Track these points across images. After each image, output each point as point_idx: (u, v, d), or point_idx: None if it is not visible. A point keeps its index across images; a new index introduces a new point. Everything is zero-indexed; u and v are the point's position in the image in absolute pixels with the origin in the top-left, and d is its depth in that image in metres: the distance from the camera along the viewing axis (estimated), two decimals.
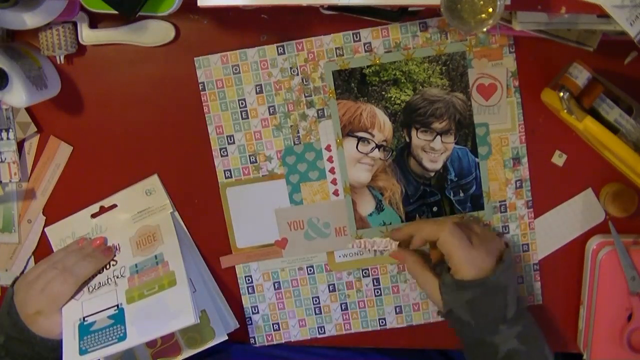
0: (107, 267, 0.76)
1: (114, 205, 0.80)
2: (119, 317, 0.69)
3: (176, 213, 0.80)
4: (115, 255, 0.77)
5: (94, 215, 0.80)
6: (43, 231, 0.82)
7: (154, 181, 0.80)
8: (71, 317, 0.70)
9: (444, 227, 0.72)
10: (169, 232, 0.77)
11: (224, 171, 0.80)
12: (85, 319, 0.70)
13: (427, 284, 0.75)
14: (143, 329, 0.67)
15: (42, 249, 0.82)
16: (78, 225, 0.81)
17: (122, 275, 0.74)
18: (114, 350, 0.66)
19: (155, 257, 0.74)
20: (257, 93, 0.78)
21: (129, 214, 0.80)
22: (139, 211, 0.80)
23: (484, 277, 0.70)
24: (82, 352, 0.67)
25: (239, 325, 0.82)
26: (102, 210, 0.80)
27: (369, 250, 0.80)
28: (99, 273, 0.75)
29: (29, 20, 0.70)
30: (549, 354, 0.73)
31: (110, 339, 0.67)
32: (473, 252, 0.71)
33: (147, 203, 0.80)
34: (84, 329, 0.69)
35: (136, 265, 0.74)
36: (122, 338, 0.67)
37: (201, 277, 0.79)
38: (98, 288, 0.73)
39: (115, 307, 0.70)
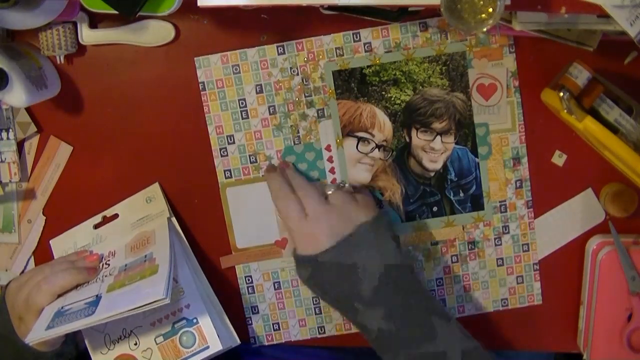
0: (100, 268, 0.76)
1: (116, 215, 0.80)
2: (94, 302, 0.67)
3: (173, 219, 0.79)
4: (108, 265, 0.76)
5: (96, 226, 0.80)
6: (43, 231, 0.82)
7: (154, 189, 0.80)
8: (51, 308, 0.69)
9: (277, 197, 0.70)
10: (163, 234, 0.76)
11: (224, 171, 0.80)
12: (64, 307, 0.68)
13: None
14: (112, 305, 0.65)
15: (42, 249, 0.82)
16: (80, 235, 0.80)
17: (110, 274, 0.73)
18: (80, 325, 0.64)
19: (145, 256, 0.73)
20: (257, 93, 0.78)
21: (128, 222, 0.80)
22: (139, 219, 0.79)
23: (320, 253, 0.66)
24: (48, 328, 0.65)
25: (239, 342, 0.78)
26: (105, 220, 0.80)
27: None
28: (90, 283, 0.74)
29: (29, 20, 0.70)
30: (435, 327, 0.66)
31: (78, 317, 0.65)
32: (306, 225, 0.68)
33: (147, 210, 0.79)
34: (58, 314, 0.67)
35: (126, 265, 0.74)
36: (90, 315, 0.65)
37: (195, 288, 0.76)
38: (86, 286, 0.72)
39: (95, 296, 0.69)
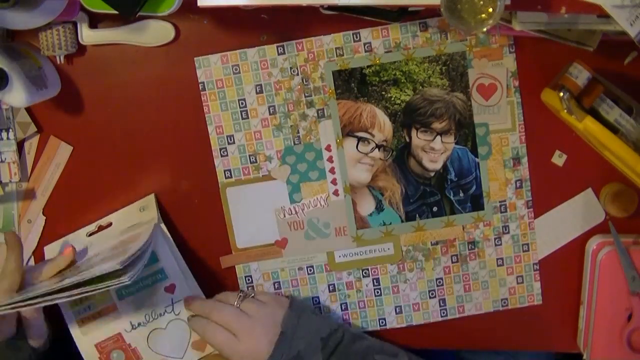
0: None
1: (110, 224, 0.80)
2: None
3: (162, 225, 0.78)
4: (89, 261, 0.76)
5: (91, 234, 0.80)
6: (43, 231, 0.81)
7: (149, 199, 0.80)
8: (23, 292, 0.69)
9: (204, 332, 0.73)
10: (146, 235, 0.75)
11: (224, 171, 0.80)
12: (27, 289, 0.68)
13: None
14: (70, 279, 0.65)
15: (42, 249, 0.82)
16: (73, 242, 0.80)
17: (86, 268, 0.73)
18: (31, 294, 0.65)
19: (122, 250, 0.73)
20: (257, 93, 0.78)
21: (119, 229, 0.80)
22: (129, 226, 0.79)
23: None
24: (7, 303, 0.66)
25: None
26: (100, 229, 0.80)
27: None
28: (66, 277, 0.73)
29: (29, 20, 0.70)
30: None
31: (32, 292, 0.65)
32: (240, 346, 0.71)
33: (139, 218, 0.79)
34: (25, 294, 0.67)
35: (102, 258, 0.73)
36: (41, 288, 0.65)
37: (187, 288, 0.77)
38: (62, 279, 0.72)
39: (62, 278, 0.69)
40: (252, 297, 0.77)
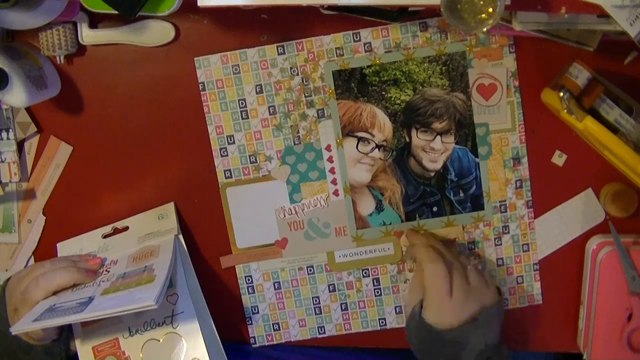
0: (100, 273, 0.76)
1: (127, 228, 0.80)
2: (86, 303, 0.68)
3: (181, 237, 0.78)
4: (108, 272, 0.76)
5: (106, 236, 0.80)
6: (43, 231, 0.82)
7: (169, 207, 0.80)
8: (45, 303, 0.70)
9: (432, 262, 0.72)
10: (167, 249, 0.76)
11: (224, 171, 0.80)
12: (56, 305, 0.69)
13: (415, 288, 0.75)
14: (101, 306, 0.66)
15: (42, 249, 0.82)
16: (87, 242, 0.81)
17: (107, 280, 0.73)
18: (66, 320, 0.65)
19: (145, 267, 0.73)
20: (257, 93, 0.78)
21: (136, 236, 0.80)
22: (147, 233, 0.79)
23: (443, 329, 0.70)
24: (35, 320, 0.66)
25: None
26: (116, 231, 0.80)
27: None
28: (86, 286, 0.74)
29: (29, 20, 0.70)
30: None
31: (67, 314, 0.66)
32: (447, 303, 0.70)
33: (157, 227, 0.79)
34: (49, 310, 0.68)
35: (124, 273, 0.73)
36: (78, 312, 0.66)
37: (192, 312, 0.76)
38: (82, 288, 0.73)
39: (88, 298, 0.69)
40: (478, 268, 0.76)
